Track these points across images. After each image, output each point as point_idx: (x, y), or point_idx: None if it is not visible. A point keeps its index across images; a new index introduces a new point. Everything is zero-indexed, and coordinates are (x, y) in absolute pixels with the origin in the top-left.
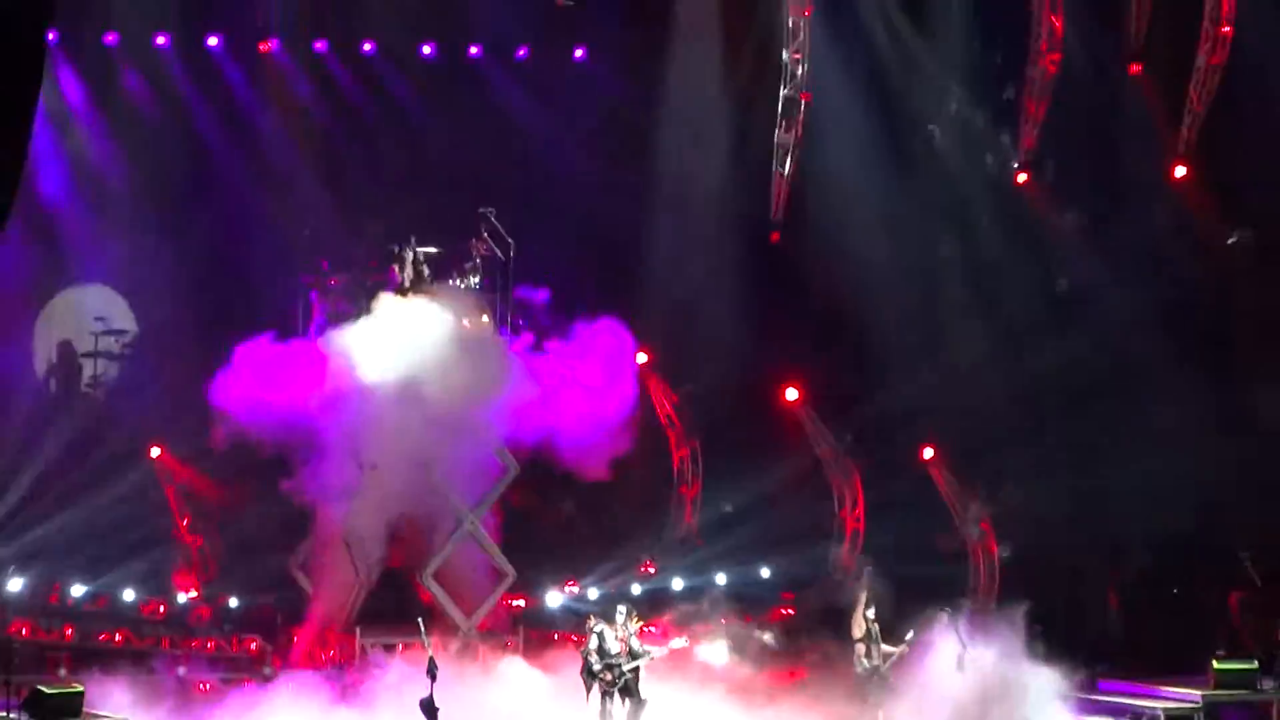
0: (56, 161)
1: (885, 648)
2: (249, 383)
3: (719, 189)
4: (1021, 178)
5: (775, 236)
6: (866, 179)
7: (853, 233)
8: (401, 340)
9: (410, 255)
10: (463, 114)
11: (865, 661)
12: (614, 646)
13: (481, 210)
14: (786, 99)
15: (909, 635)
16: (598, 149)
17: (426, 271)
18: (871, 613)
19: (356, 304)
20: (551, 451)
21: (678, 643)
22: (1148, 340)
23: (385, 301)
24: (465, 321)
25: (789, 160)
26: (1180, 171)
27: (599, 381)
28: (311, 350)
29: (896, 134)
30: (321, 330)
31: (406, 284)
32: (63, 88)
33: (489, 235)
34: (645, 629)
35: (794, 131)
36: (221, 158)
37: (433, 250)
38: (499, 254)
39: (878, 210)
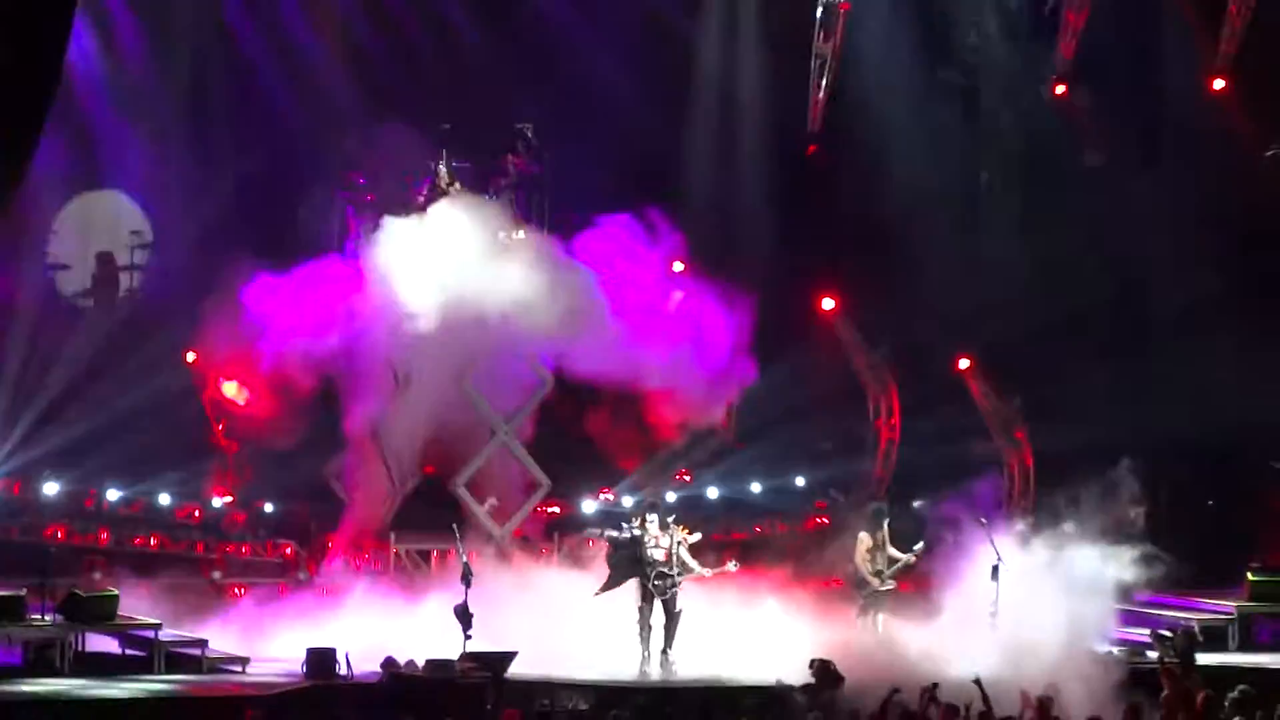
0: (91, 63)
1: (892, 553)
2: (285, 300)
3: (757, 100)
4: (1060, 89)
5: (812, 149)
6: (905, 90)
7: (891, 144)
8: (440, 251)
9: (445, 170)
10: (501, 24)
11: (868, 567)
12: (655, 554)
13: (518, 126)
14: (825, 9)
15: (918, 546)
16: (636, 60)
17: (460, 186)
18: (886, 521)
19: (393, 219)
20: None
21: (731, 566)
22: (1186, 251)
23: (422, 215)
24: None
25: (827, 71)
26: (1219, 84)
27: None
28: (348, 265)
29: (936, 45)
30: (358, 246)
31: (441, 198)
32: None
33: (525, 151)
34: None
35: (833, 42)
36: (258, 67)
37: (468, 165)
38: (535, 170)
39: (916, 122)
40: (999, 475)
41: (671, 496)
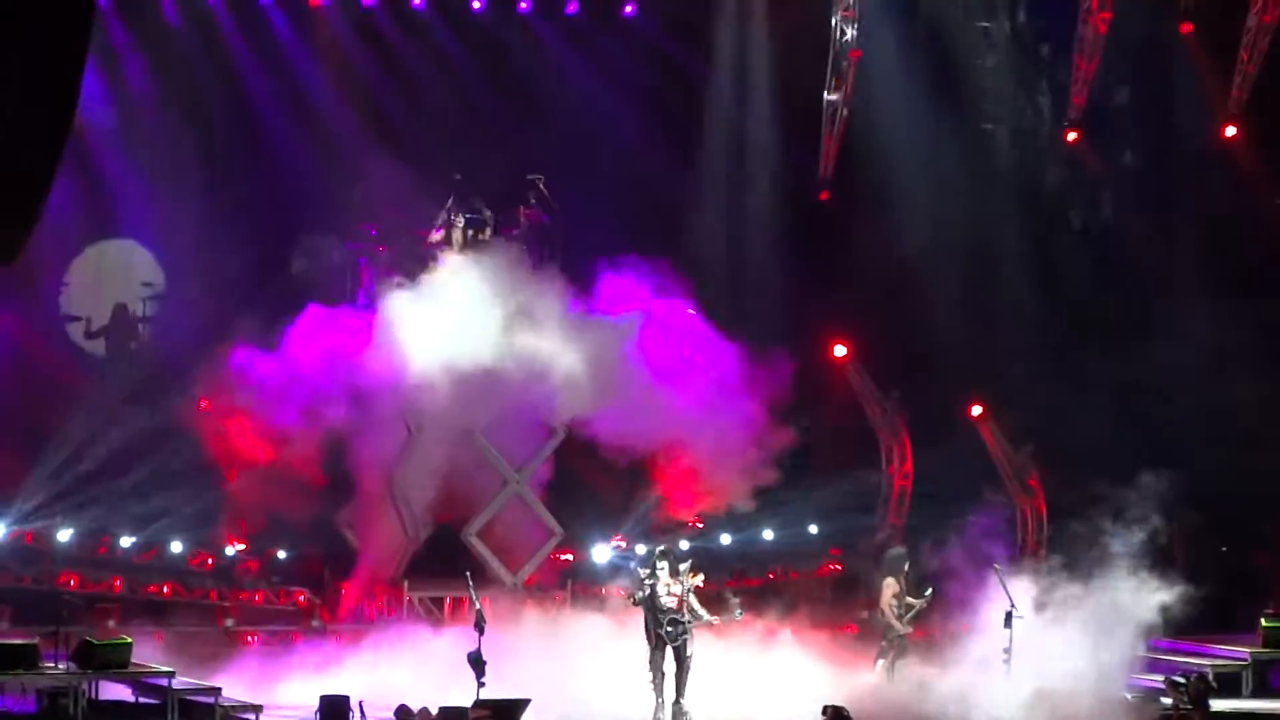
0: (101, 112)
1: (908, 600)
2: (299, 352)
3: (768, 147)
4: (1071, 136)
5: (824, 195)
6: (915, 136)
7: (901, 190)
8: (456, 307)
9: (460, 221)
10: (512, 71)
11: (894, 611)
12: (668, 601)
13: (530, 177)
14: (836, 57)
15: (928, 591)
16: (646, 107)
17: (474, 237)
18: (907, 566)
19: (404, 271)
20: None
21: (737, 614)
22: (1196, 298)
23: (439, 269)
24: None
25: (838, 118)
26: (1231, 131)
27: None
28: (360, 317)
29: (946, 91)
30: (369, 298)
31: (454, 251)
32: (111, 37)
33: (537, 202)
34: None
35: (843, 89)
36: (269, 115)
37: (479, 216)
38: (545, 220)
39: (926, 168)
40: (996, 511)
41: (684, 544)
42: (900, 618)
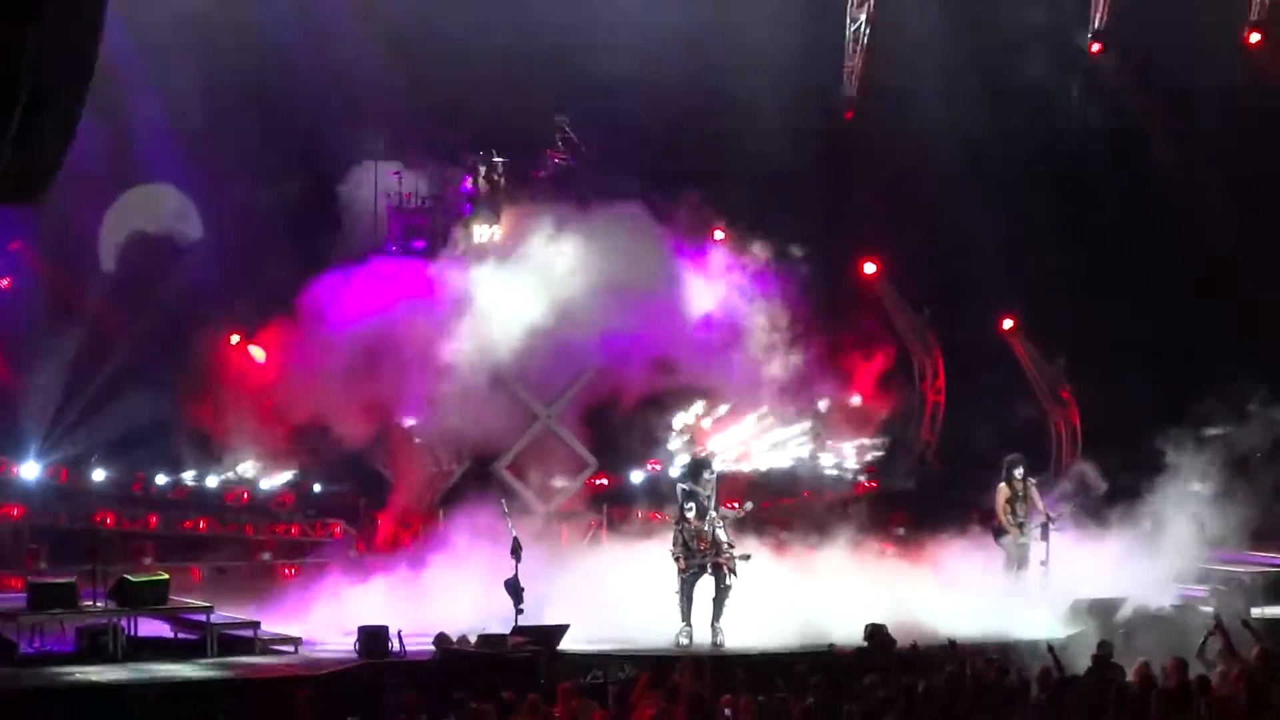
0: (125, 54)
1: (1038, 503)
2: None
3: (794, 66)
4: (1095, 47)
5: (850, 114)
6: (940, 53)
7: (927, 106)
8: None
9: (485, 167)
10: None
11: (1008, 519)
12: (718, 532)
13: (555, 119)
14: None
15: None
16: (670, 28)
17: (502, 182)
18: (1019, 471)
19: (432, 218)
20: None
21: (748, 505)
22: (1225, 206)
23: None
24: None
25: (862, 37)
26: (1255, 38)
27: None
28: (391, 265)
29: (969, 6)
30: (398, 243)
31: (482, 195)
32: None
33: (563, 145)
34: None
35: (867, 7)
36: (296, 55)
37: (505, 160)
38: (573, 162)
39: (952, 82)
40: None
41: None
42: (1020, 524)
